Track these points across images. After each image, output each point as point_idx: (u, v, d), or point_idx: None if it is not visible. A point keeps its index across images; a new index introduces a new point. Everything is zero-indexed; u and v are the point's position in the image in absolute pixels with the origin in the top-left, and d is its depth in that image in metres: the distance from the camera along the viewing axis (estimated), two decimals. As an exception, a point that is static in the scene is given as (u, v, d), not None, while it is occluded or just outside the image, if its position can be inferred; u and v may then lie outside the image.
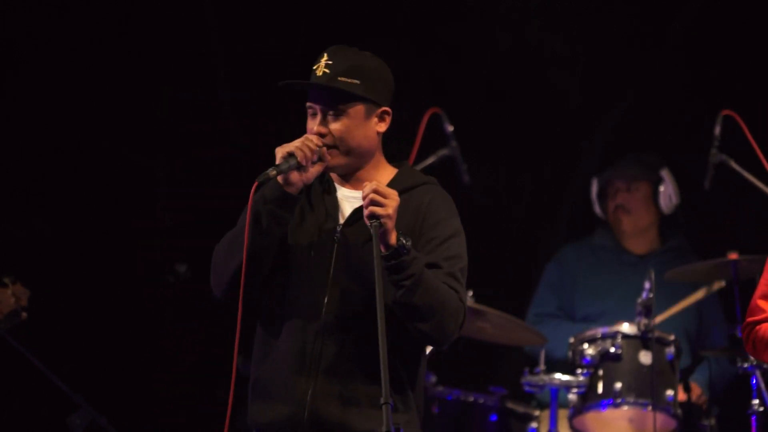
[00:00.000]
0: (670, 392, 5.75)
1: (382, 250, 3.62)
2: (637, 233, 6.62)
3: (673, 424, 5.79)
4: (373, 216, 3.62)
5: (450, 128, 6.22)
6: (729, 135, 5.73)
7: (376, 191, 3.63)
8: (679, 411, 5.77)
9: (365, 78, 3.82)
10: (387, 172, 3.92)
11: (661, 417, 5.72)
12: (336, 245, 3.78)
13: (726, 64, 7.04)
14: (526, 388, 5.83)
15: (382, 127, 3.88)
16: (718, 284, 6.17)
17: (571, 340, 5.94)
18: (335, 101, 3.80)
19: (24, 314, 4.94)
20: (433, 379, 6.05)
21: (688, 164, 6.59)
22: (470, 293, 5.89)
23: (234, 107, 7.08)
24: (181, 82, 6.89)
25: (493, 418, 6.07)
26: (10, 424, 6.57)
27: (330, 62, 3.81)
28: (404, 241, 3.64)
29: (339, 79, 3.79)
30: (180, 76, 6.89)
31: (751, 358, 5.38)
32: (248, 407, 3.87)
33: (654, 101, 7.33)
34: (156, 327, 6.84)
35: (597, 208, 6.71)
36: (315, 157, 3.74)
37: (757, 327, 3.95)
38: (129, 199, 6.88)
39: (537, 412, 6.12)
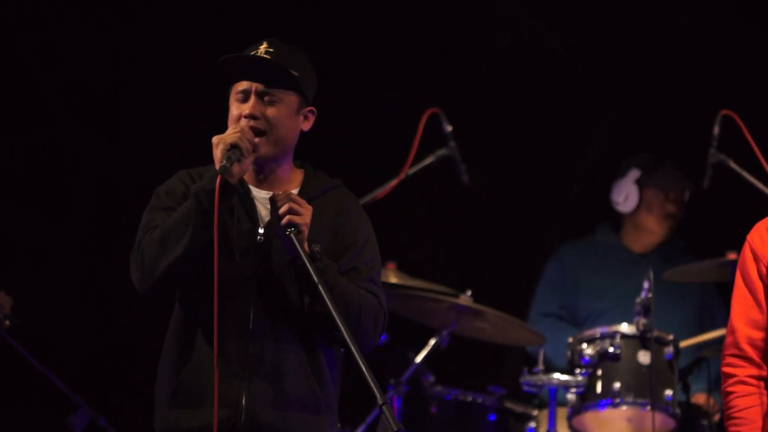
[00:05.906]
0: (668, 392, 5.74)
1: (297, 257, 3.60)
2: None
3: (671, 423, 5.78)
4: (291, 224, 3.61)
5: (449, 128, 6.21)
6: (728, 135, 5.73)
7: (293, 200, 3.63)
8: (677, 411, 5.76)
9: (302, 72, 3.79)
10: (296, 174, 3.88)
11: (659, 417, 5.71)
12: (259, 248, 3.74)
13: (725, 64, 7.04)
14: (525, 388, 5.82)
15: (306, 126, 3.84)
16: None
17: (570, 339, 5.94)
18: (276, 84, 3.75)
19: (7, 322, 4.86)
20: (432, 378, 6.05)
21: (686, 164, 6.59)
22: (469, 293, 5.89)
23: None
24: (181, 82, 6.89)
25: (492, 417, 6.06)
26: (10, 424, 6.57)
27: (270, 49, 3.77)
28: (316, 249, 3.63)
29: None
30: (180, 76, 6.89)
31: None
32: (162, 414, 3.77)
33: (653, 101, 7.34)
34: (156, 327, 6.82)
35: (631, 200, 6.60)
36: (252, 148, 3.70)
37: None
38: (129, 198, 6.88)
39: (535, 412, 6.11)
